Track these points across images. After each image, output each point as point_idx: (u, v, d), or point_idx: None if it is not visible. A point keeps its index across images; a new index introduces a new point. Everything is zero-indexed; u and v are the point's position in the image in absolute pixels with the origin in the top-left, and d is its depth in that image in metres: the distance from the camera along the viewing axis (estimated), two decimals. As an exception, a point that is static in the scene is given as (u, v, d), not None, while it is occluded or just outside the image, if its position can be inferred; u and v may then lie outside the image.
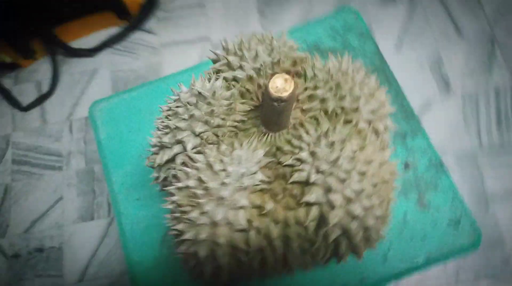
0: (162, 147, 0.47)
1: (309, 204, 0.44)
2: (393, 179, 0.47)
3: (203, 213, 0.43)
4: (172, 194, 0.46)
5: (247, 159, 0.43)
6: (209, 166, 0.43)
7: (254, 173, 0.42)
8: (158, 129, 0.48)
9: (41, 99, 1.25)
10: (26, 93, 1.27)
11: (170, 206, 0.46)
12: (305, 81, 0.46)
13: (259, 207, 0.44)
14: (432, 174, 0.63)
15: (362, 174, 0.42)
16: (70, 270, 1.07)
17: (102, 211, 1.12)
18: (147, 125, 0.69)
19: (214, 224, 0.43)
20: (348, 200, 0.42)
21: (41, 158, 1.19)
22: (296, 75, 0.46)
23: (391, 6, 1.25)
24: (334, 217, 0.43)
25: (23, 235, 1.11)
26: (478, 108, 1.11)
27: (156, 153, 0.49)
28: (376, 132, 0.46)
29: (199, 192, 0.43)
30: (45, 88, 1.26)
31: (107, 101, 0.73)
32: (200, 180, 0.43)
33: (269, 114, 0.42)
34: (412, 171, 0.64)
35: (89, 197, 1.14)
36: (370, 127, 0.45)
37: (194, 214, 0.43)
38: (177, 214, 0.45)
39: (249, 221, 0.43)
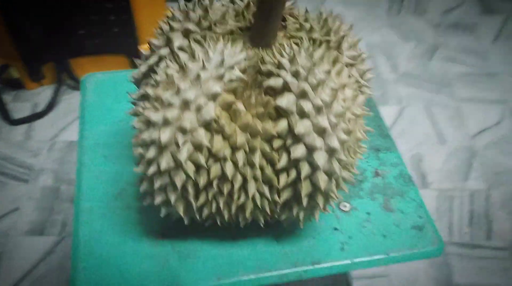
0: (151, 51, 0.49)
1: (279, 115, 0.44)
2: (362, 119, 0.48)
3: (176, 92, 0.43)
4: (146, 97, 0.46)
5: (229, 55, 0.44)
6: (191, 55, 0.45)
7: (233, 68, 0.44)
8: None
9: (32, 118, 1.27)
10: (20, 110, 1.29)
11: (141, 103, 0.47)
12: (297, 19, 0.50)
13: (230, 107, 0.44)
14: (400, 184, 0.63)
15: (335, 91, 0.44)
16: (1, 280, 0.97)
17: (55, 229, 1.06)
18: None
19: (184, 105, 0.43)
20: (318, 110, 0.43)
21: (11, 169, 1.17)
22: (290, 15, 0.50)
23: (383, 106, 1.34)
24: (301, 126, 0.43)
25: (-37, 236, 1.04)
26: (452, 206, 1.12)
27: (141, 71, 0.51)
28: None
29: (176, 74, 0.44)
30: (40, 110, 1.29)
31: (102, 74, 0.76)
32: (180, 66, 0.44)
33: (257, 19, 0.45)
34: (381, 178, 0.64)
35: (45, 214, 1.08)
36: (348, 68, 0.48)
37: (167, 95, 0.43)
38: (146, 106, 0.45)
39: (217, 117, 0.43)
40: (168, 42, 0.48)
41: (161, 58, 0.48)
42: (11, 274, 0.98)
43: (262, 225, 0.53)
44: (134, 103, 0.52)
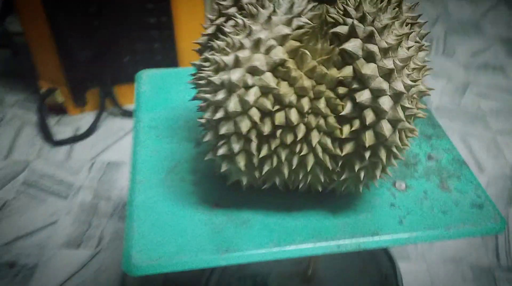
0: (217, 15, 0.52)
1: (344, 62, 0.46)
2: (423, 73, 0.49)
3: (247, 34, 0.45)
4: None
5: (297, 3, 0.47)
6: (261, 5, 0.47)
7: (300, 15, 0.46)
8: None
9: (74, 139, 1.30)
10: (62, 133, 1.33)
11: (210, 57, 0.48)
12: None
13: (296, 53, 0.45)
14: (454, 167, 0.62)
15: (399, 37, 0.45)
16: (34, 290, 0.96)
17: (91, 243, 1.05)
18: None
19: (255, 45, 0.44)
20: (384, 53, 0.44)
21: (51, 186, 1.18)
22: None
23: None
24: (367, 68, 0.44)
25: (0, 247, 1.03)
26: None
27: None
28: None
29: (248, 21, 0.46)
30: (81, 133, 1.32)
31: (155, 70, 0.79)
32: (251, 14, 0.46)
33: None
34: (435, 161, 0.63)
35: (83, 228, 1.08)
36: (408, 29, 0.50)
37: (238, 37, 0.45)
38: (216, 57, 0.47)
39: (285, 61, 0.45)
40: (236, 1, 0.51)
41: (229, 17, 0.51)
42: (43, 285, 0.96)
43: (320, 189, 0.53)
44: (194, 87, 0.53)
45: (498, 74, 1.59)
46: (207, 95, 0.47)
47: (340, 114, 0.46)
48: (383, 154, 0.48)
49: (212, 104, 0.47)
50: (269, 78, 0.45)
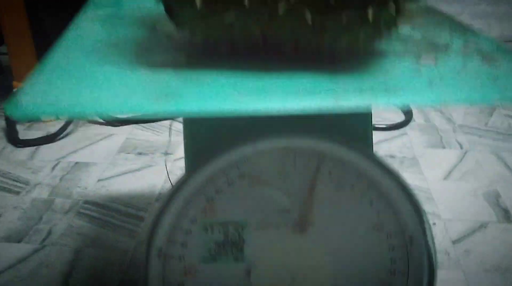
0: None
1: None
2: None
3: None
4: None
5: None
6: None
7: None
8: None
9: (40, 141, 1.14)
10: (30, 137, 1.17)
11: None
12: None
13: None
14: (497, 52, 0.44)
15: None
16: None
17: (36, 238, 0.84)
18: None
19: None
20: None
21: (4, 182, 0.99)
22: None
23: (441, 149, 1.15)
24: None
25: None
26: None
27: None
28: None
29: None
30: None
31: None
32: None
33: None
34: (473, 44, 0.45)
35: (30, 223, 0.88)
36: None
37: None
38: None
39: None
40: None
41: None
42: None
43: (309, 22, 0.35)
44: None
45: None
46: None
47: None
48: None
49: None
50: None
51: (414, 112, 1.33)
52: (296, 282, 0.52)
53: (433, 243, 0.55)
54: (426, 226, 0.55)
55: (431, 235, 0.55)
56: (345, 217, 0.53)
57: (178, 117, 1.20)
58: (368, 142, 0.53)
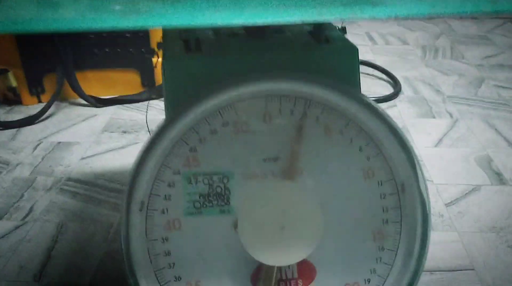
0: None
1: None
2: None
3: None
4: None
5: None
6: None
7: None
8: None
9: (20, 123, 1.10)
10: (11, 119, 1.13)
11: None
12: None
13: None
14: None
15: None
16: None
17: (17, 215, 0.81)
18: None
19: None
20: None
21: (-17, 164, 0.96)
22: None
23: (431, 118, 1.13)
24: None
25: None
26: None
27: None
28: None
29: None
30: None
31: None
32: None
33: None
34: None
35: (12, 200, 0.84)
36: None
37: None
38: None
39: None
40: None
41: None
42: None
43: None
44: None
45: (515, 72, 1.42)
46: None
47: None
48: None
49: None
50: None
51: (403, 84, 1.31)
52: (285, 233, 0.50)
53: (426, 190, 0.53)
54: (419, 172, 0.53)
55: (424, 182, 0.53)
56: (334, 164, 0.51)
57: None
58: (355, 83, 0.50)
